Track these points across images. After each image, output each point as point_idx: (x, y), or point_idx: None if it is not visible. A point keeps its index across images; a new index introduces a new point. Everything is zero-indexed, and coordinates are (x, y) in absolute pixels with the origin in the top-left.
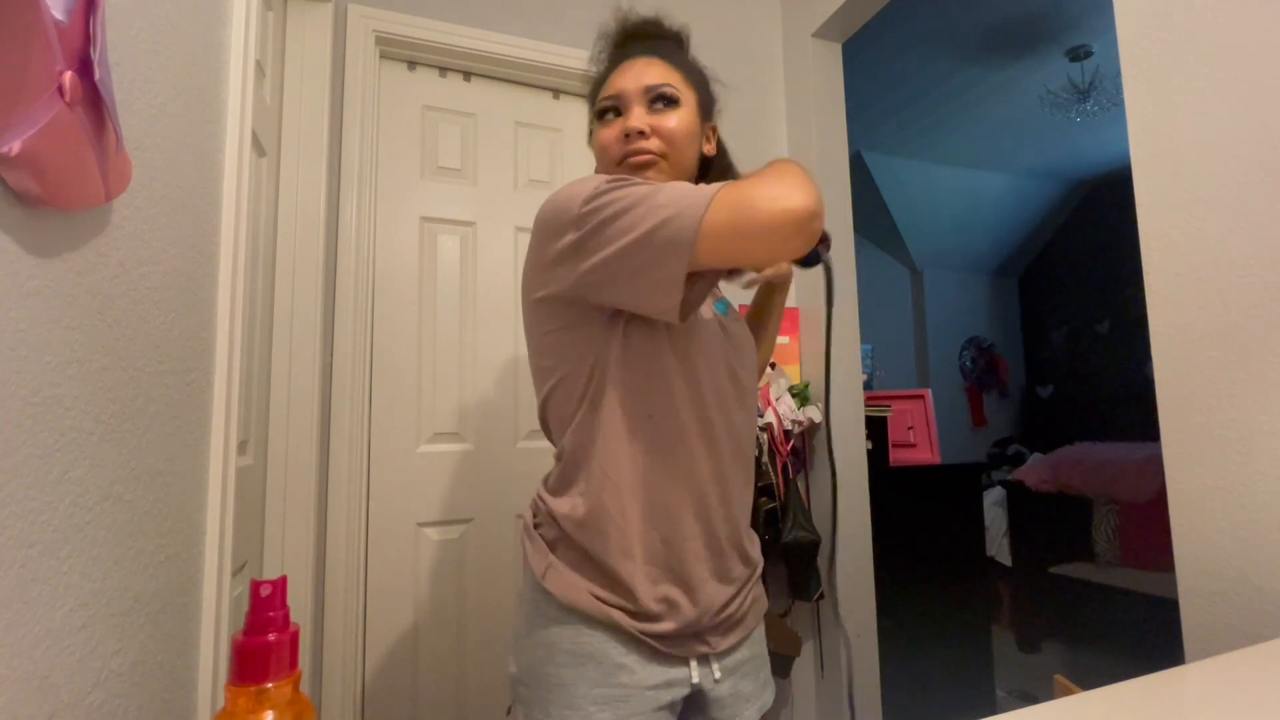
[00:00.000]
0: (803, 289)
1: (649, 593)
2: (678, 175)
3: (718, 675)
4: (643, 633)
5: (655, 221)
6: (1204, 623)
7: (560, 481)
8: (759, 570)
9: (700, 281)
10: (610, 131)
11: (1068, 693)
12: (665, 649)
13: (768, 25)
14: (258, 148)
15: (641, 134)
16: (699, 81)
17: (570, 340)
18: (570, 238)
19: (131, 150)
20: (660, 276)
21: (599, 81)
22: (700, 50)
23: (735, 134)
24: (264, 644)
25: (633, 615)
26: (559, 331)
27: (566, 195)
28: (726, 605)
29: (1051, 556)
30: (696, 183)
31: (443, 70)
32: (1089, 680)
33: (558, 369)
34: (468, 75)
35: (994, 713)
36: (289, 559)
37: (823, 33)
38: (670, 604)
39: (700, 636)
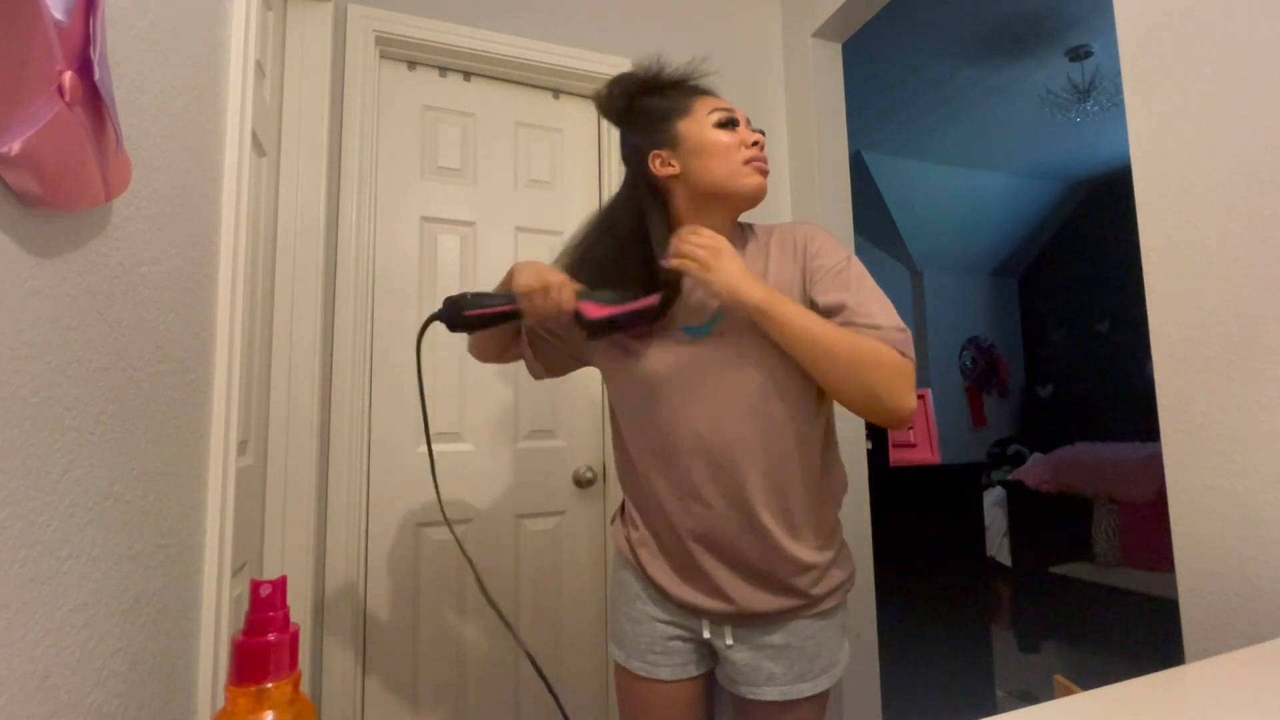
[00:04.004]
0: None
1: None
2: None
3: (729, 641)
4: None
5: None
6: (1204, 623)
7: None
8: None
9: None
10: (734, 138)
11: (1068, 693)
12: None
13: (768, 25)
14: (258, 148)
15: (763, 148)
16: None
17: None
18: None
19: (131, 150)
20: None
21: (684, 97)
22: (700, 50)
23: None
24: (264, 644)
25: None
26: None
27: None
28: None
29: (1051, 556)
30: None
31: (443, 70)
32: (1089, 680)
33: None
34: (468, 75)
35: (994, 713)
36: (289, 559)
37: (823, 33)
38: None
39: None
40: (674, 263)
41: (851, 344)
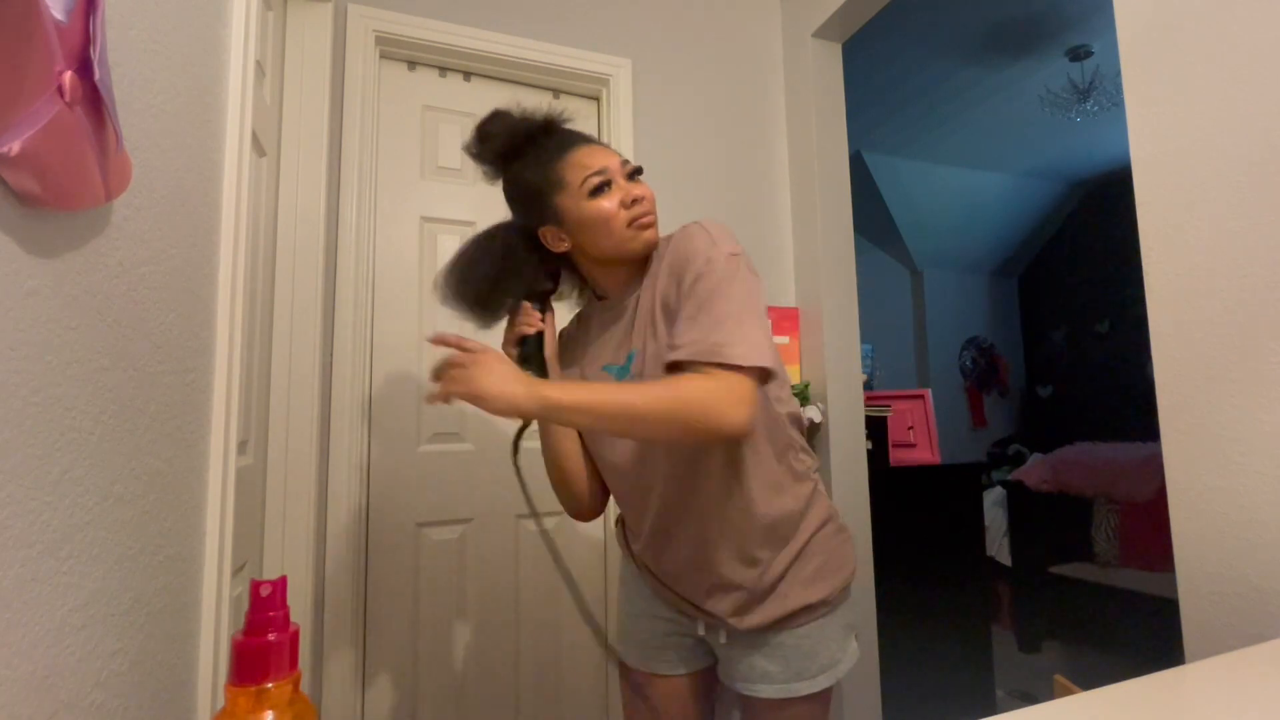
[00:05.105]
0: (803, 288)
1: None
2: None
3: (724, 640)
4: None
5: None
6: (1204, 623)
7: None
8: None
9: None
10: (609, 203)
11: (1068, 693)
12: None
13: (768, 25)
14: (258, 148)
15: (644, 199)
16: None
17: None
18: None
19: (131, 150)
20: None
21: (554, 163)
22: (700, 51)
23: (736, 134)
24: (264, 644)
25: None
26: None
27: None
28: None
29: (1051, 556)
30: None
31: (443, 70)
32: (1089, 680)
33: None
34: (468, 75)
35: (994, 713)
36: (289, 559)
37: (823, 33)
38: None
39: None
40: (438, 400)
41: (644, 399)
